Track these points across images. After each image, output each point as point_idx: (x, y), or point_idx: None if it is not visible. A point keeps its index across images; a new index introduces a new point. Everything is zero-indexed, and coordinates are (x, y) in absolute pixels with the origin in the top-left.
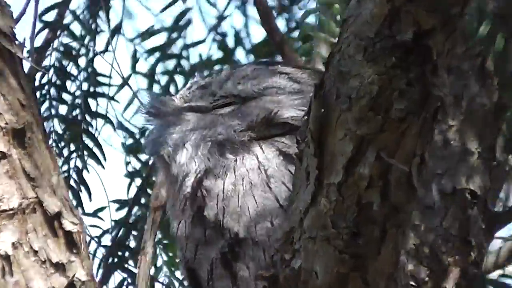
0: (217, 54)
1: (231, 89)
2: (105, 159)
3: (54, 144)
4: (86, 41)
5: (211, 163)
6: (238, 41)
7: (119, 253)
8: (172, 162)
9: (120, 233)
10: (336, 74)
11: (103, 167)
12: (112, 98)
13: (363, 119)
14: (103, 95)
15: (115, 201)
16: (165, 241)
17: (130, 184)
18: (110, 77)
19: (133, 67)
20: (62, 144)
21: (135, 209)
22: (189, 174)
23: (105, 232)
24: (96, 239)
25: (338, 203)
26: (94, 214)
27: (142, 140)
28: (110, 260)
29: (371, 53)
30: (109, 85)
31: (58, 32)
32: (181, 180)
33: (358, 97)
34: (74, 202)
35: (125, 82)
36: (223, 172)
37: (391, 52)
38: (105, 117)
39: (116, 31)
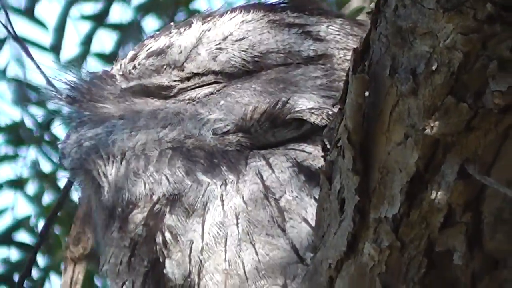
0: None
1: (206, 61)
2: None
3: None
4: None
5: (177, 185)
6: None
7: None
8: (104, 181)
9: None
10: (392, 33)
11: None
12: None
13: (438, 109)
14: None
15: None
16: None
17: None
18: None
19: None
20: None
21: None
22: (138, 202)
23: None
24: None
25: (394, 253)
26: None
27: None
28: None
29: None
30: None
31: None
32: (121, 213)
33: (428, 71)
34: None
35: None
36: (202, 204)
37: None
38: None
39: None
